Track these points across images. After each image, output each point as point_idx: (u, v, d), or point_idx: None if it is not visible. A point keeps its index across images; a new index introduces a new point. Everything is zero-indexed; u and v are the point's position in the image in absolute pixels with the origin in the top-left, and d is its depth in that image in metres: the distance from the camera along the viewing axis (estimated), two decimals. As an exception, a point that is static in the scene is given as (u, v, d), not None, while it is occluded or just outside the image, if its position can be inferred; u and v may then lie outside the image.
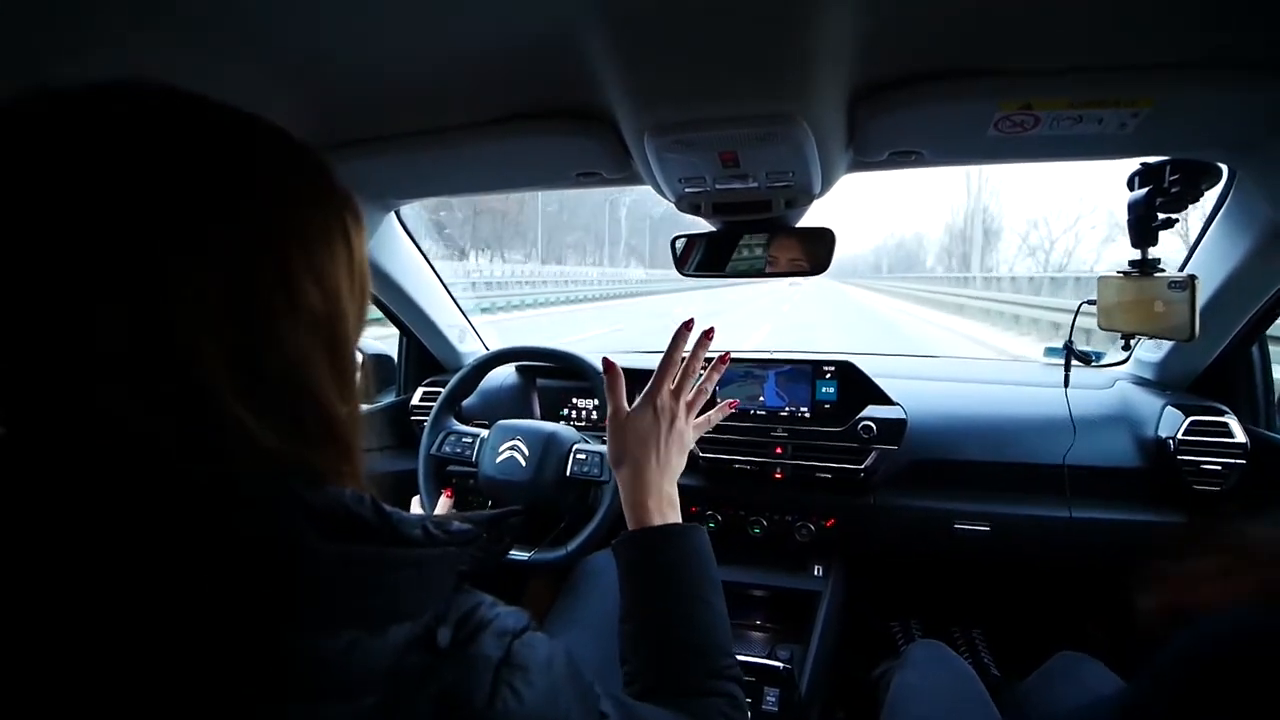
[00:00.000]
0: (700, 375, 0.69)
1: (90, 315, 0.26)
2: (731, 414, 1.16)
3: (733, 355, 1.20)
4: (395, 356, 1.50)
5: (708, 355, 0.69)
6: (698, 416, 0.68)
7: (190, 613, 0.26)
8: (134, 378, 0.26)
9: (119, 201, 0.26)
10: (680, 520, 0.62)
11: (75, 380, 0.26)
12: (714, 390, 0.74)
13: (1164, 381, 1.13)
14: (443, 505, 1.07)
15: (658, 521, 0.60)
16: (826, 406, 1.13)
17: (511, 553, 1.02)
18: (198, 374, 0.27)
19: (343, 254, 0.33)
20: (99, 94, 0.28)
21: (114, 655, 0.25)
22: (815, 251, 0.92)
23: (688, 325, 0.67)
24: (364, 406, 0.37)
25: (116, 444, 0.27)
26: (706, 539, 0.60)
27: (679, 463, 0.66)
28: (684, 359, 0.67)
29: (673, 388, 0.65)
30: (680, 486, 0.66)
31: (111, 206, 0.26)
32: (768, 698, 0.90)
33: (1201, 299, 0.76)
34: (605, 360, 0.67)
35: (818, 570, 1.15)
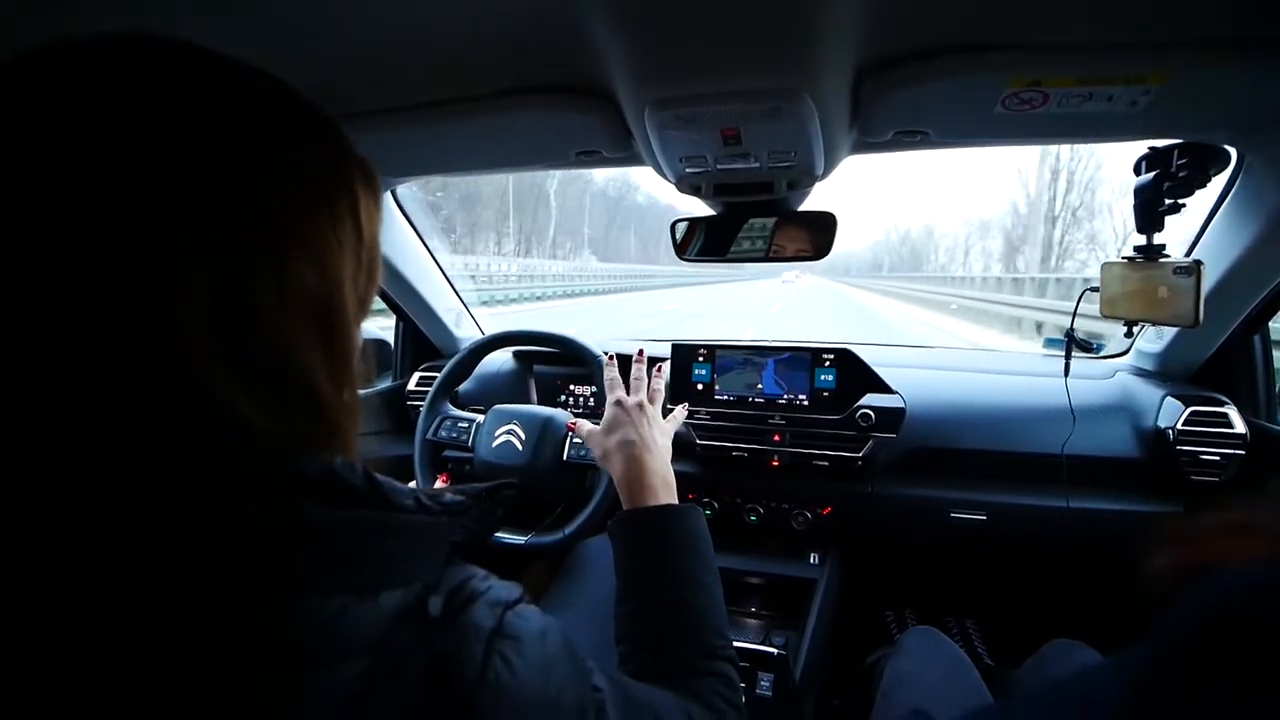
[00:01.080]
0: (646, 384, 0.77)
1: (83, 288, 0.25)
2: (730, 401, 1.17)
3: (731, 343, 1.20)
4: (392, 342, 1.49)
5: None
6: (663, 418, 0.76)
7: (182, 579, 0.25)
8: (120, 349, 0.26)
9: (112, 162, 0.25)
10: (676, 502, 0.62)
11: (57, 351, 0.25)
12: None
13: (1165, 372, 1.13)
14: None
15: (653, 503, 0.60)
16: (825, 394, 1.12)
17: (509, 537, 1.02)
18: (184, 348, 0.26)
19: (349, 234, 0.32)
20: (101, 50, 0.27)
21: (105, 624, 0.24)
22: (817, 236, 0.91)
23: (611, 358, 0.79)
24: (361, 391, 0.36)
25: (103, 416, 0.26)
26: (703, 521, 0.60)
27: (664, 443, 0.69)
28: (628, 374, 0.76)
29: (624, 394, 0.73)
30: (677, 473, 0.67)
31: (104, 167, 0.25)
32: (761, 682, 0.90)
33: (1206, 285, 0.76)
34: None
35: (814, 558, 1.14)
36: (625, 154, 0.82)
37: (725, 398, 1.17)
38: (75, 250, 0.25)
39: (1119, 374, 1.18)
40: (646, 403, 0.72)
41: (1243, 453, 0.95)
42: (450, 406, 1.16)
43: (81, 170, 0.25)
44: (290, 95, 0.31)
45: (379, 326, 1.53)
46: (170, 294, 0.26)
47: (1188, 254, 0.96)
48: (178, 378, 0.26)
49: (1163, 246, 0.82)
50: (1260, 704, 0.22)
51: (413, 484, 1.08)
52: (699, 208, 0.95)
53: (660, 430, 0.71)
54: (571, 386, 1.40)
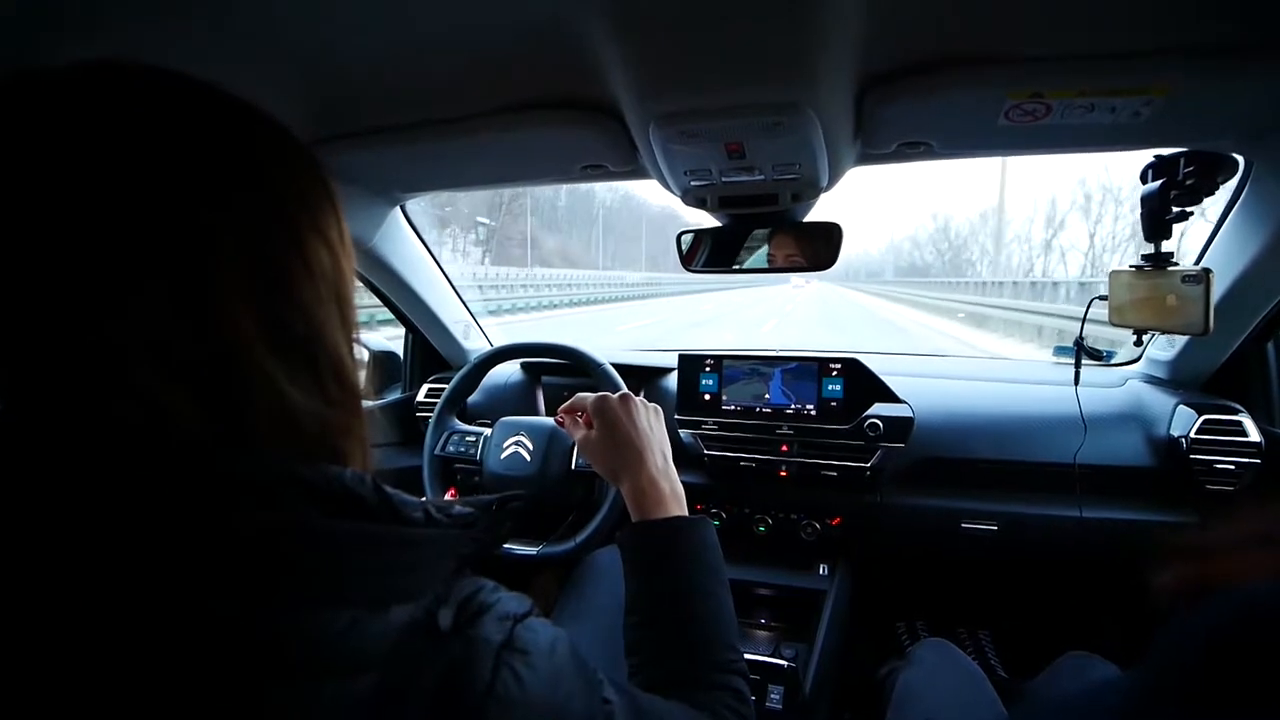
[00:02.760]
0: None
1: (127, 288, 0.26)
2: (737, 411, 1.17)
3: (738, 353, 1.20)
4: (401, 354, 1.51)
5: None
6: None
7: (192, 591, 0.26)
8: (168, 346, 0.27)
9: (152, 174, 0.27)
10: (686, 513, 0.62)
11: (104, 357, 0.26)
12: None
13: (1177, 380, 1.11)
14: None
15: (662, 514, 0.60)
16: (832, 404, 1.12)
17: (519, 548, 1.02)
18: (232, 335, 0.28)
19: (334, 219, 0.35)
20: (124, 73, 0.29)
21: (113, 635, 0.25)
22: (822, 246, 0.91)
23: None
24: (371, 403, 0.38)
25: (133, 418, 0.27)
26: (713, 532, 0.60)
27: (659, 427, 0.67)
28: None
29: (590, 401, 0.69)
30: (685, 484, 0.66)
31: (145, 179, 0.27)
32: (772, 695, 0.90)
33: (1216, 294, 0.75)
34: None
35: (823, 569, 1.14)
36: (631, 168, 0.83)
37: (732, 408, 1.17)
38: (122, 247, 0.26)
39: (1130, 382, 1.16)
40: (629, 395, 0.68)
41: (1258, 461, 0.94)
42: (456, 421, 1.16)
43: (120, 170, 0.27)
44: (261, 111, 0.33)
45: (387, 338, 1.54)
46: (213, 278, 0.28)
47: (1197, 262, 0.95)
48: (223, 358, 0.28)
49: (1171, 254, 0.81)
50: None
51: (422, 498, 1.09)
52: (655, 190, 0.94)
53: (653, 415, 0.67)
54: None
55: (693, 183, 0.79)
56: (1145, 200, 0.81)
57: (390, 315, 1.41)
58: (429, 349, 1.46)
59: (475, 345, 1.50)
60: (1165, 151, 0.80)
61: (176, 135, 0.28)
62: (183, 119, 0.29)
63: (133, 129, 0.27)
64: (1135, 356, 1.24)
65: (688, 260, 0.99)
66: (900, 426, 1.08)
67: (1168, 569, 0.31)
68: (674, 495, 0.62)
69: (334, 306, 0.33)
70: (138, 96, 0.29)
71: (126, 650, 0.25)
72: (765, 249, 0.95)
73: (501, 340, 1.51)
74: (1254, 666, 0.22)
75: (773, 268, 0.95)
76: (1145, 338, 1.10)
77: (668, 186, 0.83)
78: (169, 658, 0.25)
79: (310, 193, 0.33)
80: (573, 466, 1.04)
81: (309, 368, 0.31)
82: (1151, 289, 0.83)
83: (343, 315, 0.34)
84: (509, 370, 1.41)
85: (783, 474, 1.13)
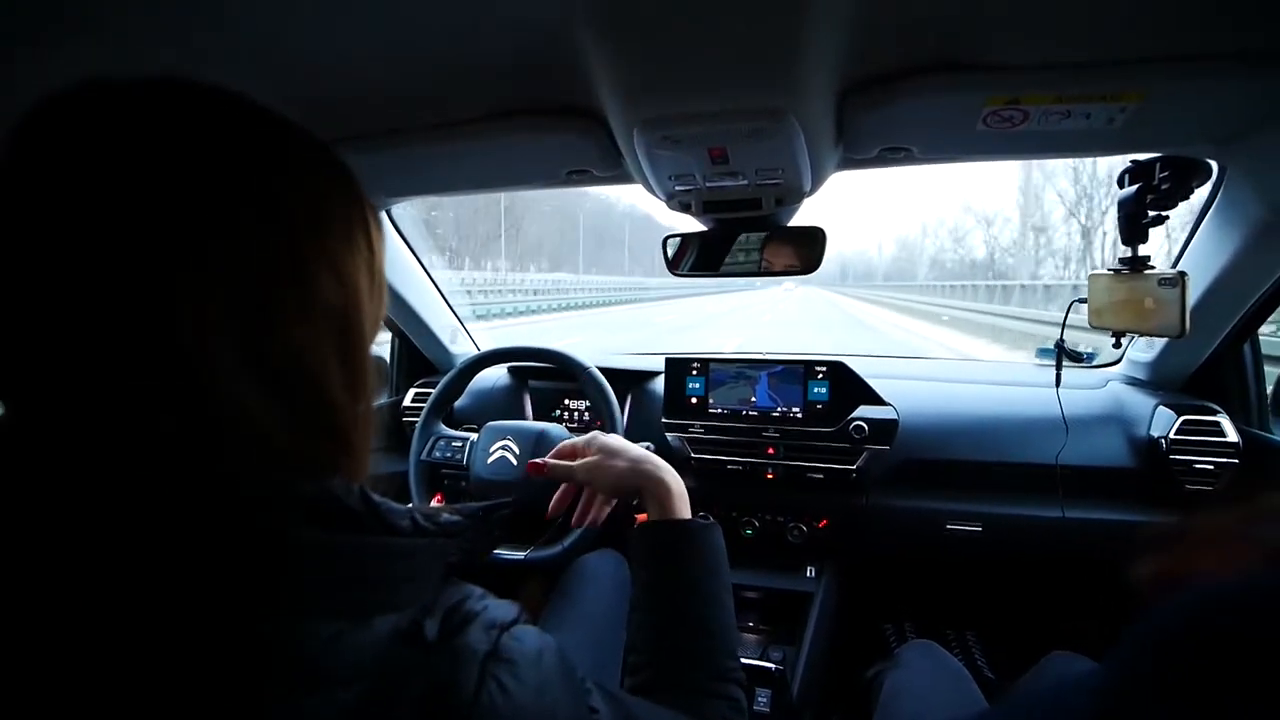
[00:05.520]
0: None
1: (101, 300, 0.26)
2: (723, 414, 1.17)
3: (724, 357, 1.20)
4: (387, 358, 1.50)
5: None
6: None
7: (176, 603, 0.25)
8: (138, 360, 0.26)
9: (138, 193, 0.26)
10: (692, 517, 0.62)
11: (79, 362, 0.26)
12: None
13: (1156, 381, 1.13)
14: None
15: (678, 516, 0.60)
16: (818, 407, 1.13)
17: (507, 553, 1.01)
18: (202, 355, 0.27)
19: (363, 251, 0.33)
20: (134, 88, 0.28)
21: (99, 646, 0.25)
22: (807, 250, 0.92)
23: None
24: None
25: (115, 428, 0.27)
26: (722, 539, 0.60)
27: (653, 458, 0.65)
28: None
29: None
30: None
31: (130, 198, 0.26)
32: (759, 699, 0.90)
33: (1192, 296, 0.77)
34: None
35: (810, 571, 1.14)
36: (615, 173, 0.84)
37: (719, 411, 1.17)
38: (100, 258, 0.26)
39: (1111, 383, 1.18)
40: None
41: (1236, 461, 0.96)
42: (443, 426, 1.16)
43: (104, 186, 0.26)
44: (296, 127, 0.32)
45: (375, 342, 1.53)
46: (187, 297, 0.27)
47: (1173, 265, 0.97)
48: (192, 376, 0.27)
49: (1148, 258, 0.83)
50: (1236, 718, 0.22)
51: (409, 505, 1.08)
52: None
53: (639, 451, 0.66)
54: (566, 401, 1.40)
55: (677, 187, 0.80)
56: (1122, 204, 0.83)
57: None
58: (415, 353, 1.46)
59: (462, 349, 1.49)
60: (1141, 156, 0.81)
61: (171, 154, 0.27)
62: (189, 140, 0.28)
63: (141, 143, 0.27)
64: (1116, 358, 1.25)
65: (674, 264, 0.99)
66: (885, 429, 1.08)
67: (1145, 561, 0.31)
68: (681, 498, 0.62)
69: (331, 344, 0.32)
70: (159, 115, 0.28)
71: (109, 660, 0.24)
72: (752, 252, 0.95)
73: (487, 344, 1.51)
74: (1228, 659, 0.22)
75: (758, 271, 0.96)
76: (1124, 340, 1.11)
77: (652, 191, 0.84)
78: (153, 667, 0.25)
79: (331, 224, 0.32)
80: None
81: (288, 401, 0.30)
82: (1129, 292, 0.84)
83: (344, 355, 0.32)
84: (496, 374, 1.41)
85: (769, 476, 1.13)
